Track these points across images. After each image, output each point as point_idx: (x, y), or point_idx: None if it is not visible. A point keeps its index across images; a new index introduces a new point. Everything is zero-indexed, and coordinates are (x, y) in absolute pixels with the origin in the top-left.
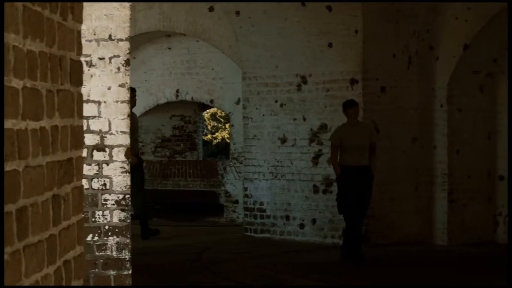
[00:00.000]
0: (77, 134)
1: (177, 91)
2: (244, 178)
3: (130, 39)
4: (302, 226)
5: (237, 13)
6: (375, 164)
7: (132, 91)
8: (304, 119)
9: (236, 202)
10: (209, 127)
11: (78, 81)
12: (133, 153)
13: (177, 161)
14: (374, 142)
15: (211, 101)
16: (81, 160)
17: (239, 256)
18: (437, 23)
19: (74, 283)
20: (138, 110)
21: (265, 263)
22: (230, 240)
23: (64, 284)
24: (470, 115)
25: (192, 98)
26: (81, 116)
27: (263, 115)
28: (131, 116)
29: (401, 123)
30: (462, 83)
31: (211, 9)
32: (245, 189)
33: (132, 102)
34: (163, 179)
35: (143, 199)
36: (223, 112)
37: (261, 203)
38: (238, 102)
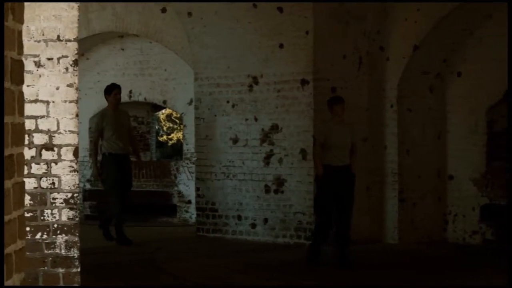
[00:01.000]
0: (19, 132)
1: (130, 92)
2: (196, 178)
3: (84, 40)
4: (253, 225)
5: (189, 14)
6: (356, 163)
7: (117, 88)
8: (256, 119)
9: (189, 202)
10: (164, 128)
11: (19, 80)
12: (135, 153)
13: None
14: (356, 142)
15: (164, 101)
16: (22, 157)
17: (191, 256)
18: (387, 24)
19: (15, 276)
20: (91, 111)
21: (216, 262)
22: (183, 240)
23: (5, 277)
24: (420, 115)
25: (145, 98)
26: (22, 114)
27: (215, 115)
28: (125, 114)
29: (351, 124)
30: (412, 84)
31: (163, 10)
32: (197, 189)
33: (116, 100)
34: None
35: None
36: (178, 113)
37: (213, 203)
38: (190, 103)
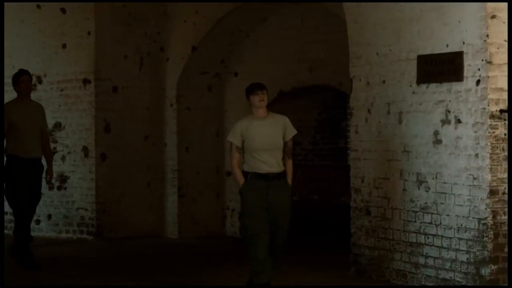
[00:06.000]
0: None
1: None
2: None
3: None
4: (38, 221)
5: None
6: (290, 171)
7: (25, 74)
8: None
9: None
10: None
11: None
12: (47, 159)
13: None
14: (290, 142)
15: None
16: None
17: None
18: (167, 26)
19: None
20: None
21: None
22: None
23: None
24: (199, 114)
25: None
26: None
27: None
28: (38, 108)
29: (133, 122)
30: (191, 83)
31: None
32: None
33: (26, 88)
34: None
35: None
36: None
37: None
38: None
